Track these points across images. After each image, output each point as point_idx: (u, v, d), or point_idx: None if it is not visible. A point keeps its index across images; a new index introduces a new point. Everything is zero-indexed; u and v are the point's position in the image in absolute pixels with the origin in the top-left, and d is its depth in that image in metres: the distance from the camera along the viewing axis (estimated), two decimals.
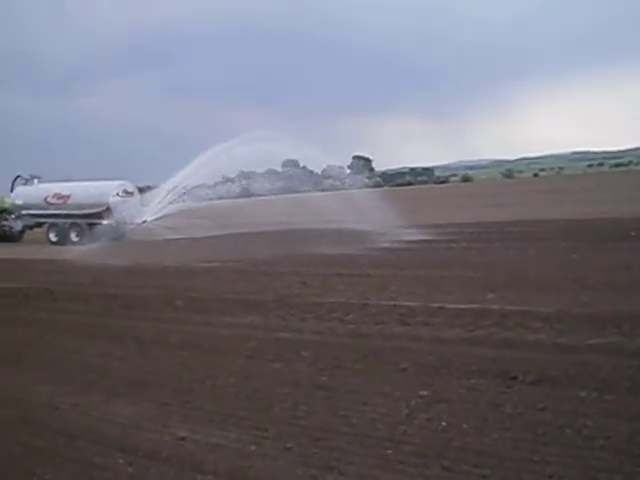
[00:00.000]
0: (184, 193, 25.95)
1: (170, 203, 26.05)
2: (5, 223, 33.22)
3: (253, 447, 4.75)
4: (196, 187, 26.12)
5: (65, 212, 29.64)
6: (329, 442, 4.73)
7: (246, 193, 31.27)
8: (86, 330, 9.38)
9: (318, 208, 22.96)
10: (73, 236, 28.74)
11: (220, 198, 28.76)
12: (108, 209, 28.30)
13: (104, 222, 27.52)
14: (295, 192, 26.88)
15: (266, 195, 29.42)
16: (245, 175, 33.50)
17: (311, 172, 29.48)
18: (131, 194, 29.47)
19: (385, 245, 18.24)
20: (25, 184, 32.66)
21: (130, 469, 4.57)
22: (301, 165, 30.81)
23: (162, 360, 7.38)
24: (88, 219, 28.66)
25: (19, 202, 31.93)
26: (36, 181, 32.61)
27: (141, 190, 30.80)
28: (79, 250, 22.40)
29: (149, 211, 26.62)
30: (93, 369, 7.22)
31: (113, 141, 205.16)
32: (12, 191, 33.04)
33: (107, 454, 4.85)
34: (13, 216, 32.68)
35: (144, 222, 26.47)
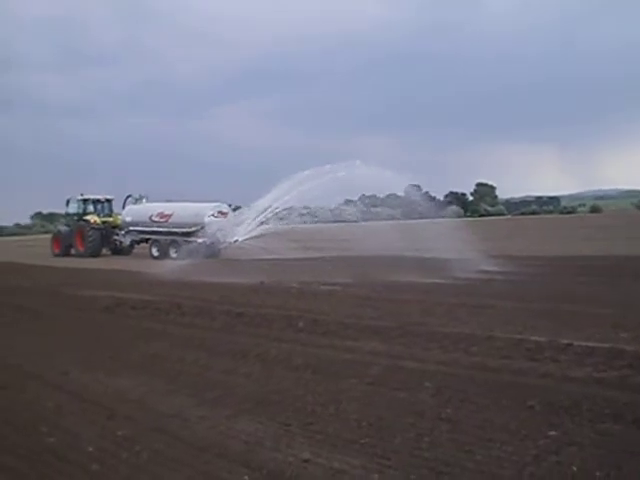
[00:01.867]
0: (275, 215, 26.65)
1: (262, 224, 26.97)
2: (116, 238, 36.31)
3: (376, 475, 4.72)
4: (287, 209, 26.62)
5: (166, 230, 31.94)
6: (453, 477, 4.64)
7: (367, 217, 31.34)
8: (213, 345, 9.71)
9: (435, 234, 22.62)
10: (172, 252, 30.59)
11: (330, 221, 29.11)
12: (203, 228, 29.97)
13: (199, 240, 29.10)
14: (415, 218, 26.64)
15: (385, 220, 29.32)
16: (365, 199, 33.56)
17: (433, 198, 29.10)
18: (225, 215, 31.06)
19: (510, 277, 17.71)
20: (135, 203, 35.61)
21: None
22: (424, 191, 30.53)
23: (285, 380, 7.48)
24: (186, 237, 30.46)
25: (128, 219, 34.96)
26: (144, 200, 35.36)
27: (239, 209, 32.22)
28: (180, 265, 23.52)
29: (241, 231, 27.75)
30: (220, 384, 7.45)
31: (226, 163, 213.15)
32: (123, 209, 35.91)
33: (232, 469, 4.97)
34: (123, 232, 35.25)
35: (235, 241, 27.77)
